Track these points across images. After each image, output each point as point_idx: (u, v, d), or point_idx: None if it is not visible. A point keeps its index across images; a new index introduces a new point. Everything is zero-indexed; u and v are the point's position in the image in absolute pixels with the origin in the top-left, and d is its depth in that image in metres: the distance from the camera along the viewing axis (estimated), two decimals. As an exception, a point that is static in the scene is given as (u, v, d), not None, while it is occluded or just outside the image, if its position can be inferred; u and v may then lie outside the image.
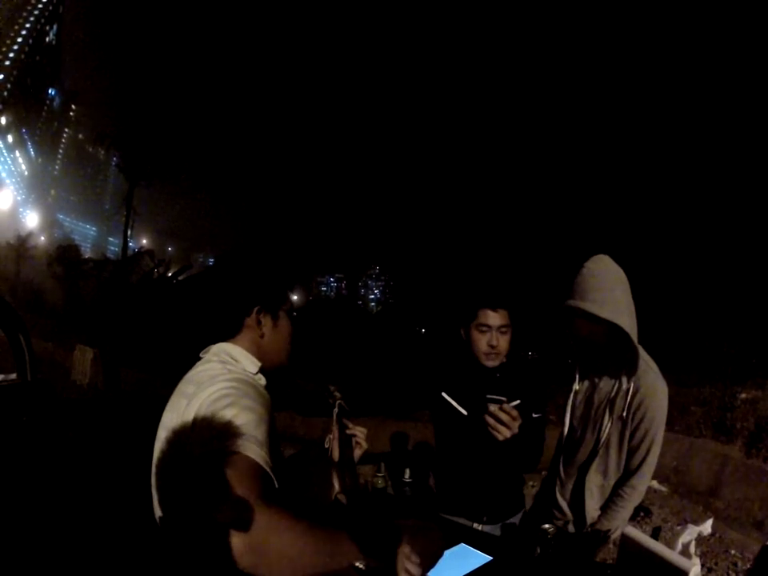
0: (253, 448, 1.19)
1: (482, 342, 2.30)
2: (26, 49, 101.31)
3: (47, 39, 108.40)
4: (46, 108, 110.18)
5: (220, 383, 1.33)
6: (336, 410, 1.78)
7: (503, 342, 2.31)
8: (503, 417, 1.97)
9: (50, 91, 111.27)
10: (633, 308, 2.15)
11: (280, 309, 1.58)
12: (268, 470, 1.20)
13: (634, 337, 2.09)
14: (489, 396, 2.03)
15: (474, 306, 2.33)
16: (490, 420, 1.98)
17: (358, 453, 1.81)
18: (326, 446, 1.78)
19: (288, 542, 1.07)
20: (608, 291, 2.09)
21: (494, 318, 2.29)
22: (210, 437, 1.21)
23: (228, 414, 1.24)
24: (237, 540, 1.04)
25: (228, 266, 1.61)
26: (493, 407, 1.99)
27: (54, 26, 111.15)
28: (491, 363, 2.32)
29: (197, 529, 1.18)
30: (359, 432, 1.81)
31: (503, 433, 1.98)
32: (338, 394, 1.82)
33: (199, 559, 1.18)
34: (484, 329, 2.30)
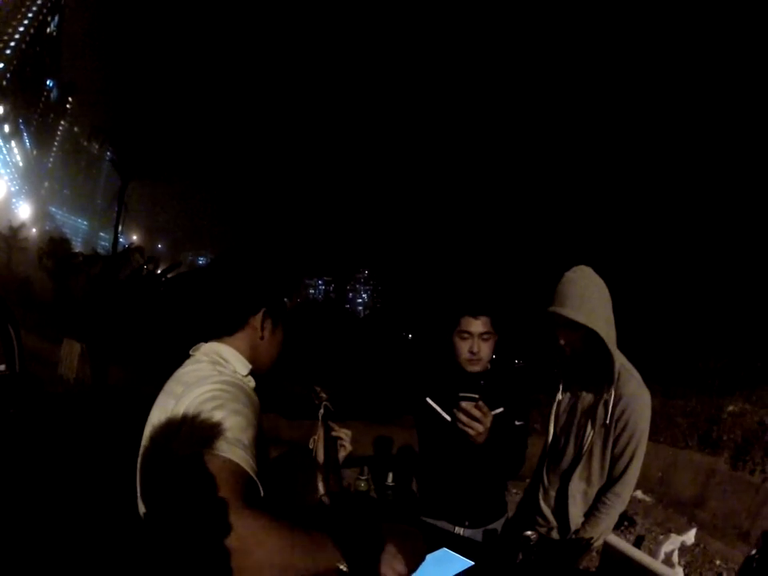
0: (238, 452, 1.18)
1: (463, 348, 2.32)
2: (27, 39, 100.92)
3: (48, 30, 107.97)
4: (43, 99, 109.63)
5: (209, 385, 1.31)
6: (321, 411, 1.77)
7: (485, 349, 2.32)
8: (476, 413, 2.00)
9: (48, 83, 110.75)
10: (611, 316, 2.19)
11: (281, 316, 1.58)
12: (253, 474, 1.19)
13: (610, 344, 2.13)
14: (461, 394, 2.05)
15: (456, 313, 2.35)
16: (462, 416, 2.01)
17: (342, 455, 1.81)
18: (311, 447, 1.77)
19: (271, 547, 1.06)
20: (585, 298, 2.13)
21: (475, 326, 2.30)
22: (196, 439, 1.19)
23: (215, 416, 1.22)
24: (220, 544, 1.04)
25: (238, 263, 1.59)
26: (465, 404, 2.01)
27: (56, 18, 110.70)
28: (472, 369, 2.33)
29: (180, 529, 1.17)
30: (344, 434, 1.81)
31: (476, 428, 2.01)
32: (323, 395, 1.81)
33: (183, 557, 1.17)
34: (465, 336, 2.31)
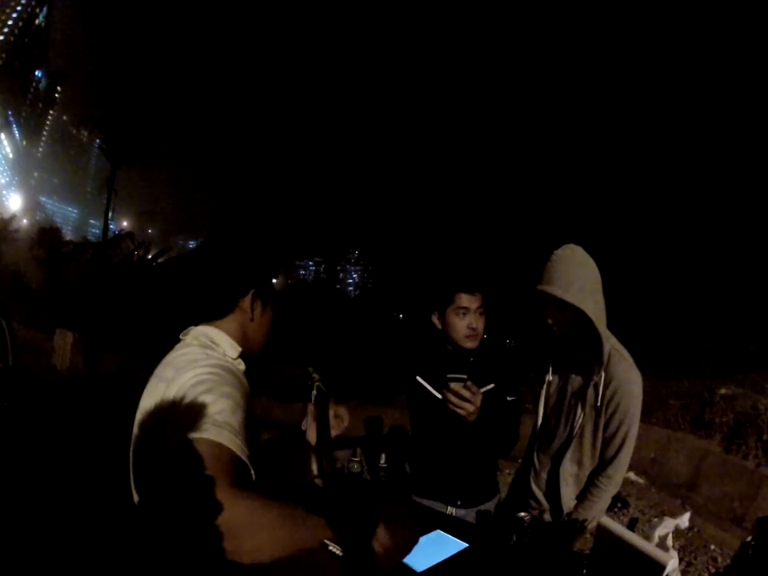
0: (228, 436, 1.18)
1: (461, 324, 2.32)
2: (16, 31, 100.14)
3: (36, 22, 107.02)
4: (32, 90, 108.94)
5: (199, 368, 1.32)
6: (314, 392, 1.75)
7: (481, 324, 2.34)
8: (465, 393, 2.01)
9: (36, 73, 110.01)
10: (600, 296, 2.18)
11: (270, 297, 1.59)
12: (244, 458, 1.19)
13: (599, 324, 2.12)
14: (449, 375, 2.07)
15: (451, 290, 2.36)
16: (452, 397, 2.03)
17: (336, 433, 1.78)
18: (303, 429, 1.78)
19: (264, 528, 1.07)
20: (573, 277, 2.12)
21: (471, 301, 2.32)
22: (186, 423, 1.19)
23: (205, 400, 1.22)
24: (214, 528, 1.03)
25: (226, 246, 1.59)
26: (454, 385, 2.03)
27: (44, 8, 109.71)
28: (471, 345, 2.34)
29: (173, 515, 1.17)
30: (342, 412, 1.81)
31: (466, 408, 2.03)
32: (316, 376, 1.78)
33: (177, 543, 1.18)
34: (462, 312, 2.32)
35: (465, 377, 2.05)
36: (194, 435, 1.15)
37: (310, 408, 1.76)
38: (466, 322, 2.31)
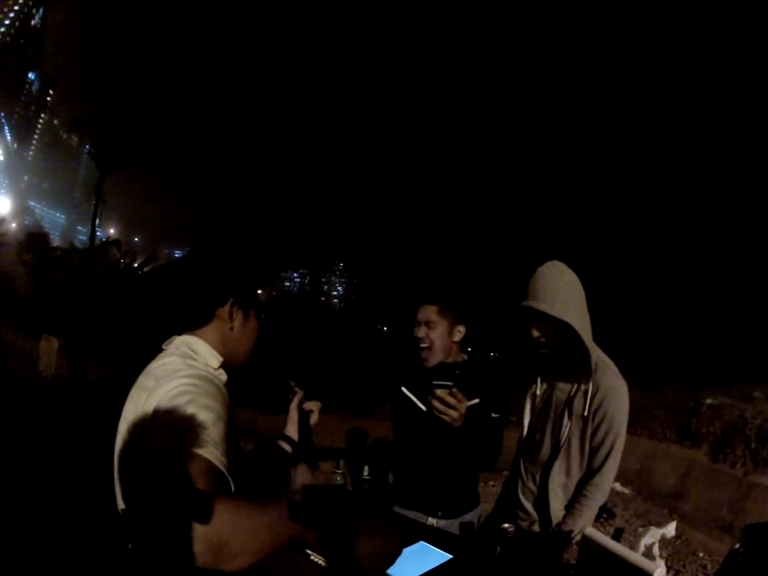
0: (208, 448, 1.17)
1: (414, 335, 2.39)
2: (12, 32, 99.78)
3: (32, 23, 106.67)
4: (25, 92, 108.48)
5: (179, 379, 1.31)
6: (298, 395, 1.88)
7: (432, 336, 2.36)
8: (450, 400, 2.00)
9: (30, 75, 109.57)
10: (585, 309, 2.21)
11: (252, 306, 1.57)
12: (223, 469, 1.19)
13: (585, 336, 2.13)
14: (435, 382, 2.06)
15: (416, 303, 2.42)
16: (437, 404, 2.01)
17: (312, 422, 1.91)
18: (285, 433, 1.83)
19: (246, 532, 1.07)
20: (558, 291, 2.15)
21: (421, 313, 2.38)
22: (166, 434, 1.19)
23: (186, 412, 1.22)
24: (197, 537, 1.03)
25: (206, 255, 1.59)
26: (439, 391, 2.02)
27: (41, 10, 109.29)
28: (424, 360, 2.39)
29: (156, 523, 1.18)
30: (314, 406, 1.93)
31: (451, 415, 2.01)
32: (297, 390, 1.89)
33: (161, 551, 1.18)
34: (415, 323, 2.39)
35: (451, 384, 2.04)
36: (175, 447, 1.16)
37: (292, 414, 1.82)
38: (414, 332, 2.38)
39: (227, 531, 1.05)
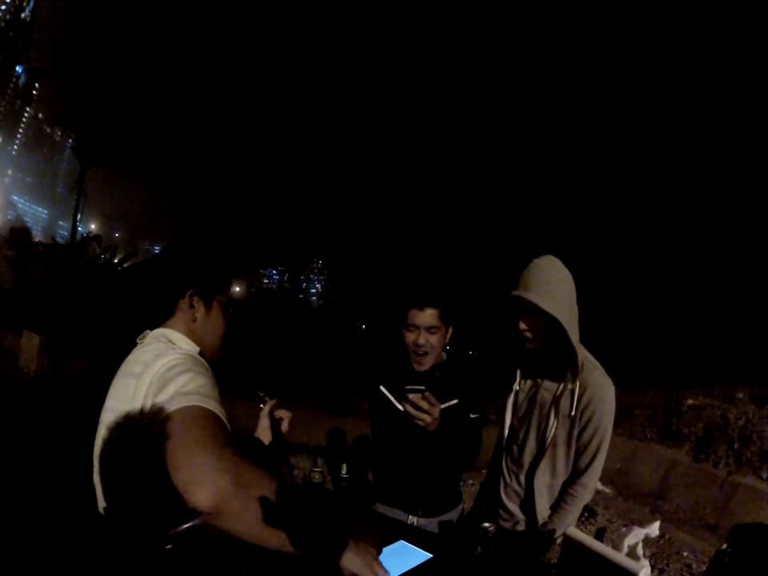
0: (212, 403, 1.21)
1: (408, 340, 2.30)
2: (2, 24, 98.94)
3: (22, 16, 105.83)
4: (11, 86, 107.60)
5: (169, 356, 1.33)
6: (267, 405, 1.95)
7: (432, 341, 2.29)
8: (423, 404, 1.98)
9: (17, 69, 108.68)
10: (575, 308, 2.18)
11: (215, 298, 1.58)
12: (229, 427, 1.23)
13: (572, 334, 2.10)
14: (408, 387, 2.04)
15: (404, 305, 2.32)
16: (410, 409, 1.99)
17: (284, 426, 1.98)
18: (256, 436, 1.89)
19: (258, 489, 1.10)
20: (551, 286, 2.11)
21: (420, 318, 2.27)
22: (167, 400, 1.20)
23: (183, 378, 1.25)
24: (200, 493, 1.04)
25: (170, 249, 1.61)
26: (412, 396, 1.99)
27: (31, 2, 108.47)
28: (418, 365, 2.33)
29: (150, 504, 1.19)
30: (284, 414, 1.98)
31: (424, 419, 1.99)
32: (267, 399, 1.96)
33: (151, 543, 1.14)
34: (412, 329, 2.29)
35: (423, 388, 2.02)
36: (178, 406, 1.17)
37: (263, 422, 1.92)
38: (413, 338, 2.28)
39: (244, 482, 1.07)
